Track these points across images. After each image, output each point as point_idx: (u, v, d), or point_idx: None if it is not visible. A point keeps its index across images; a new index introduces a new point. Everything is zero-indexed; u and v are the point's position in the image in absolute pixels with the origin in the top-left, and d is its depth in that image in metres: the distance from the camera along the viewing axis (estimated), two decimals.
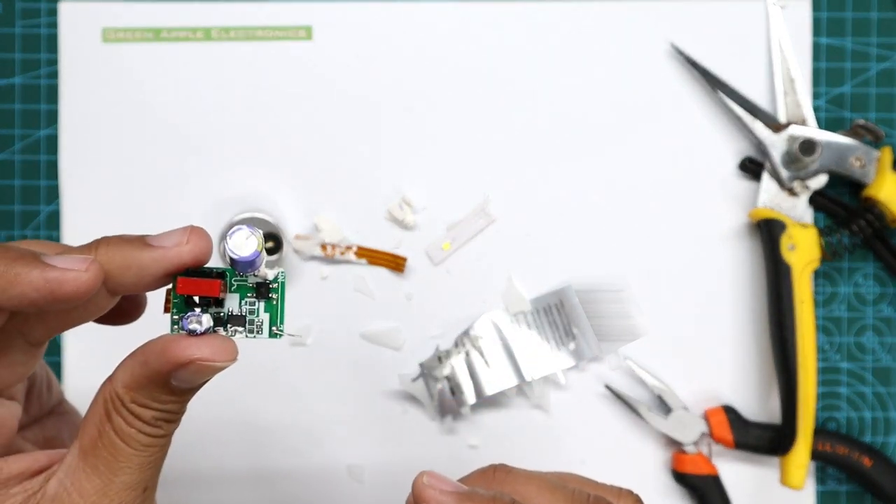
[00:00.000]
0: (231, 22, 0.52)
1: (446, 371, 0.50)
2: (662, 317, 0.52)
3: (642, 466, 0.52)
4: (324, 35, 0.52)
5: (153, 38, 0.52)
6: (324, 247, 0.51)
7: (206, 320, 0.29)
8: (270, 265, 0.49)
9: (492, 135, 0.52)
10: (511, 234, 0.52)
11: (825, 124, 0.52)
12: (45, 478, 0.30)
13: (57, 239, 0.51)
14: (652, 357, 0.52)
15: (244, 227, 0.29)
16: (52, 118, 0.52)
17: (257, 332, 0.31)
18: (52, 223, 0.52)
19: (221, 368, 0.30)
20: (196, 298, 0.30)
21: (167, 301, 0.31)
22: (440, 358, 0.51)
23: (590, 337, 0.51)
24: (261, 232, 0.30)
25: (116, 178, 0.51)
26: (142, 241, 0.30)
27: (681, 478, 0.50)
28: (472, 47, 0.52)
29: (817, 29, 0.52)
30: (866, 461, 0.50)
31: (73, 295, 0.28)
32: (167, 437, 0.31)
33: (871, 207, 0.50)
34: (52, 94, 0.52)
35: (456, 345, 0.51)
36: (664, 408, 0.51)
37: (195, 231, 0.30)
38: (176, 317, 0.30)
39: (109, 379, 0.30)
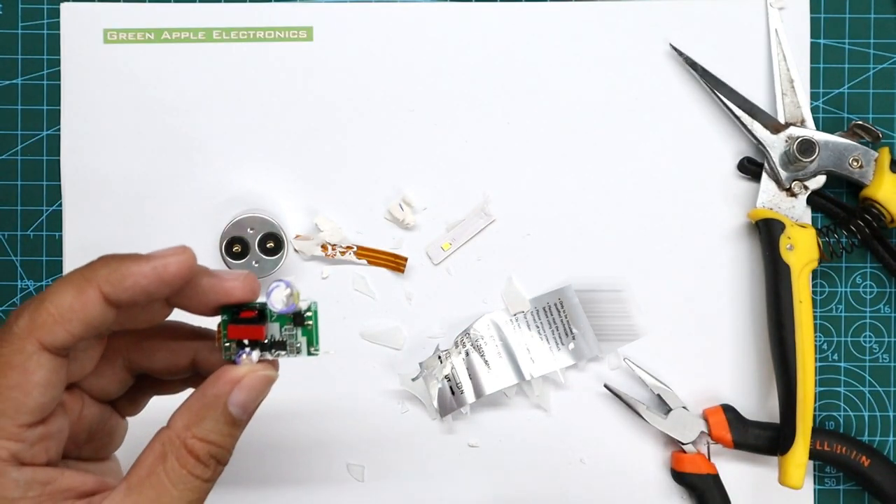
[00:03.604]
0: (232, 23, 0.52)
1: (446, 371, 0.51)
2: (662, 317, 0.52)
3: (642, 466, 0.52)
4: (324, 36, 0.52)
5: (154, 39, 0.52)
6: (324, 247, 0.51)
7: (255, 356, 0.34)
8: (274, 265, 0.50)
9: (492, 135, 0.52)
10: (511, 234, 0.52)
11: (823, 125, 0.52)
12: (88, 503, 0.32)
13: (59, 239, 0.52)
14: (651, 357, 0.52)
15: (282, 282, 0.34)
16: (54, 119, 0.52)
17: (297, 353, 0.35)
18: (54, 223, 0.52)
19: (268, 381, 0.34)
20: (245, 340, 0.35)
21: (218, 338, 0.35)
22: (440, 358, 0.51)
23: (589, 337, 0.51)
24: (295, 287, 0.35)
25: (118, 179, 0.51)
26: (206, 270, 0.34)
27: (680, 477, 0.51)
28: (472, 47, 0.52)
29: (816, 30, 0.53)
30: (864, 460, 0.50)
31: (176, 275, 0.32)
32: (210, 482, 0.34)
33: (869, 208, 0.50)
34: (54, 95, 0.52)
35: (456, 345, 0.51)
36: (663, 407, 0.51)
37: (249, 275, 0.35)
38: (228, 352, 0.35)
39: (167, 426, 0.33)
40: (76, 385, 0.36)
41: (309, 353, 0.35)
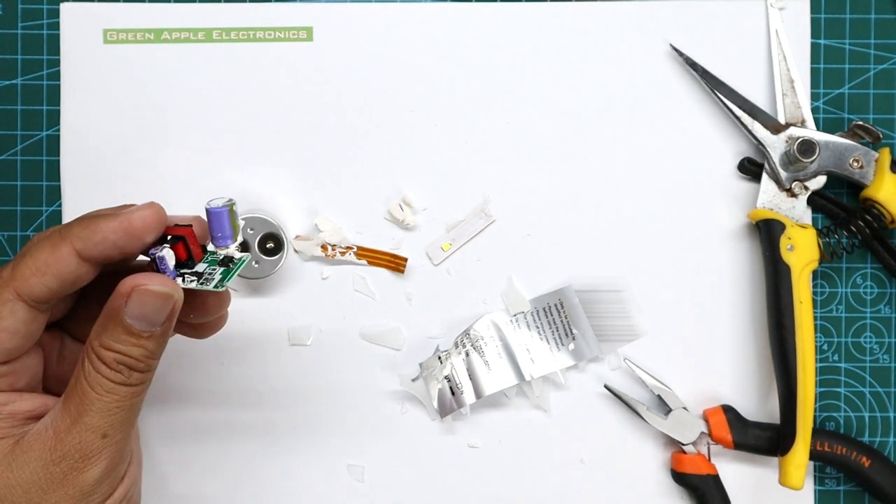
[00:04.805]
0: (232, 23, 0.52)
1: (446, 371, 0.51)
2: (662, 317, 0.52)
3: (642, 466, 0.52)
4: (324, 36, 0.52)
5: (154, 39, 0.52)
6: (324, 247, 0.51)
7: (169, 254, 0.36)
8: (273, 265, 0.49)
9: (492, 135, 0.52)
10: (511, 234, 0.52)
11: (824, 125, 0.52)
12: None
13: None
14: (651, 357, 0.52)
15: (224, 196, 0.38)
16: (54, 119, 0.52)
17: (206, 284, 0.37)
18: (54, 223, 0.52)
19: (162, 297, 0.35)
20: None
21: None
22: (440, 358, 0.51)
23: (590, 337, 0.51)
24: (235, 203, 0.38)
25: (117, 179, 0.51)
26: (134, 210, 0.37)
27: (680, 478, 0.50)
28: (472, 47, 0.52)
29: (816, 30, 0.52)
30: (865, 461, 0.50)
31: (142, 228, 0.35)
32: (128, 387, 0.35)
33: (870, 208, 0.50)
34: (54, 95, 0.52)
35: (456, 345, 0.51)
36: (663, 408, 0.51)
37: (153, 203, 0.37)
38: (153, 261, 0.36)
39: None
40: (55, 326, 0.38)
41: (215, 287, 0.37)
